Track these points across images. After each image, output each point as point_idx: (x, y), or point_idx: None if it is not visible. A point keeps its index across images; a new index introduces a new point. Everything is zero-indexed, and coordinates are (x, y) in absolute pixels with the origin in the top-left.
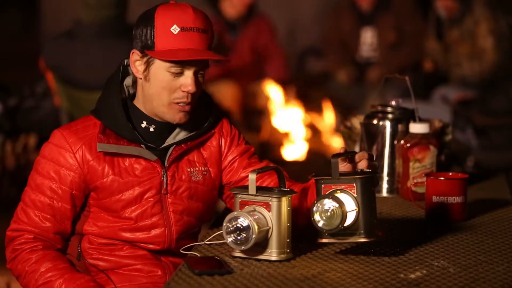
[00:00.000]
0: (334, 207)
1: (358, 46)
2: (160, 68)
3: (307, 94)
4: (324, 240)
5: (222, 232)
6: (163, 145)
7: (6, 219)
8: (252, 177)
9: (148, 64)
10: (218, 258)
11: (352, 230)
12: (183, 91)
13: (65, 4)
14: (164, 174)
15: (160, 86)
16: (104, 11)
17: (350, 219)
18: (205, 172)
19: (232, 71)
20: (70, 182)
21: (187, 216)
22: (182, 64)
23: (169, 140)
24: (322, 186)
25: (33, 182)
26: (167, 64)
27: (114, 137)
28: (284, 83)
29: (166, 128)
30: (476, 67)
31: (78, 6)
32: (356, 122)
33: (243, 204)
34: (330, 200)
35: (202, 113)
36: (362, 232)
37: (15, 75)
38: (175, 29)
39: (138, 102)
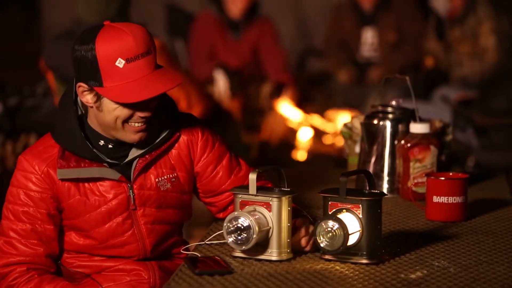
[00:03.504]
0: (336, 229)
1: (359, 46)
2: (111, 103)
3: (308, 95)
4: (326, 257)
5: (222, 232)
6: (126, 160)
7: None
8: (253, 177)
9: (98, 97)
10: (218, 258)
11: (354, 250)
12: (141, 117)
13: (65, 4)
14: (130, 189)
15: (114, 116)
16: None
17: (353, 239)
18: (174, 179)
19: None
20: (45, 203)
21: (159, 225)
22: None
23: (133, 153)
24: (329, 203)
25: (10, 213)
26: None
27: (74, 159)
28: (284, 86)
29: (125, 143)
30: (476, 67)
31: (78, 6)
32: (357, 122)
33: (243, 204)
34: (333, 222)
35: (163, 120)
36: (364, 253)
37: (15, 75)
38: (120, 62)
39: (93, 123)
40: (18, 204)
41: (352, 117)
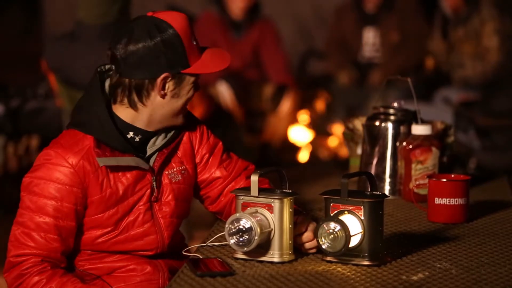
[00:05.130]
0: (338, 230)
1: (361, 47)
2: (188, 83)
3: (309, 96)
4: (328, 259)
5: (224, 234)
6: (148, 154)
7: (8, 221)
8: (254, 178)
9: (180, 82)
10: (220, 260)
11: (356, 252)
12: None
13: (67, 5)
14: (154, 181)
15: (186, 98)
16: (107, 11)
17: (354, 241)
18: (183, 171)
19: (232, 72)
20: (74, 198)
21: (176, 218)
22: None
23: (151, 147)
24: (331, 205)
25: (33, 204)
26: (193, 78)
27: (108, 150)
28: (285, 88)
29: (149, 136)
30: (478, 68)
31: (80, 8)
32: (358, 123)
33: (245, 206)
34: (335, 223)
35: None
36: (366, 255)
37: (17, 76)
38: (194, 40)
39: (121, 112)
40: (44, 197)
41: (354, 119)
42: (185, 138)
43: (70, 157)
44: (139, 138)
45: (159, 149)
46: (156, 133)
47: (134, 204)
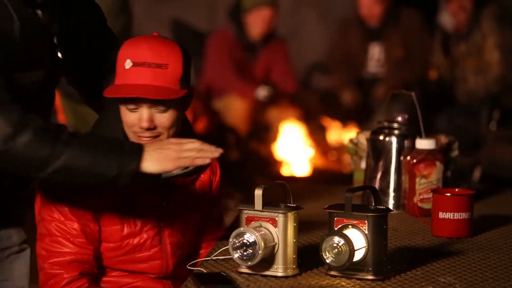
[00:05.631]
0: (342, 245)
1: (365, 62)
2: (121, 103)
3: (314, 111)
4: (332, 273)
5: (228, 248)
6: (163, 176)
7: None
8: (258, 192)
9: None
10: (224, 274)
11: (360, 266)
12: (140, 128)
13: None
14: (165, 206)
15: (123, 121)
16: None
17: (358, 255)
18: (196, 206)
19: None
20: (94, 203)
21: (182, 249)
22: (130, 100)
23: (167, 172)
24: (335, 219)
25: (57, 213)
26: (121, 100)
27: None
28: (292, 98)
29: None
30: (481, 82)
31: None
32: (363, 138)
33: (249, 220)
34: (339, 238)
35: None
36: (370, 269)
37: None
38: (128, 63)
39: None
40: (65, 204)
41: (358, 133)
42: (205, 176)
43: None
44: None
45: (176, 176)
46: None
47: (143, 225)
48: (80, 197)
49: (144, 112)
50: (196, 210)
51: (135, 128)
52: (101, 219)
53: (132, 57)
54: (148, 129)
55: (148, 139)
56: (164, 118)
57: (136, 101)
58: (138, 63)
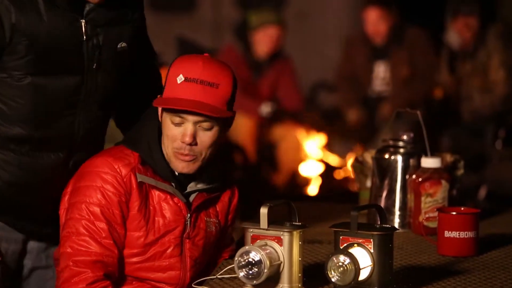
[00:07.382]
0: (348, 263)
1: (371, 80)
2: (166, 116)
3: (320, 129)
4: None
5: (234, 266)
6: (188, 190)
7: None
8: (264, 211)
9: (162, 110)
10: None
11: (366, 285)
12: (182, 142)
13: None
14: (188, 218)
15: (165, 134)
16: None
17: (364, 274)
18: (217, 225)
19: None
20: (121, 206)
21: (200, 264)
22: (178, 113)
23: (192, 186)
24: (341, 237)
25: (87, 212)
26: (169, 113)
27: (151, 171)
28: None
29: (190, 176)
30: (486, 100)
31: None
32: (368, 156)
33: (254, 238)
34: (344, 256)
35: (220, 168)
36: None
37: None
38: (180, 78)
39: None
40: (97, 204)
41: (363, 152)
42: (226, 197)
43: (120, 167)
44: (177, 172)
45: (200, 191)
46: (199, 177)
47: (165, 233)
48: (109, 201)
49: (188, 127)
50: (215, 228)
51: (177, 144)
52: (128, 223)
53: (185, 72)
54: (189, 144)
55: (186, 157)
56: (206, 136)
57: (182, 115)
58: (190, 79)
